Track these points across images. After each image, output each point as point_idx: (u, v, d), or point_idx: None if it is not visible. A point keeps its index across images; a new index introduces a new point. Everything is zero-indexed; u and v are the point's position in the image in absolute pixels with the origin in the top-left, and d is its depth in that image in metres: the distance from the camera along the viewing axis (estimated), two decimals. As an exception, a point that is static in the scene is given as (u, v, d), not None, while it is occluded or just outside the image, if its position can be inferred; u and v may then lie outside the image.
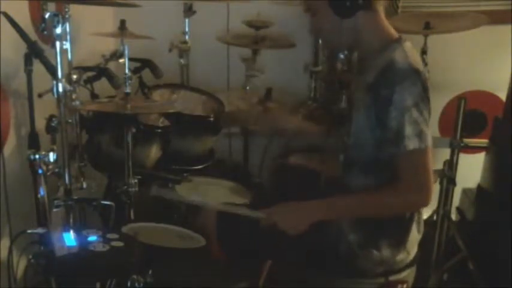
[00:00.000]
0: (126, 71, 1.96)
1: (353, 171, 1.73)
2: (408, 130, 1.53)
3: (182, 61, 2.93)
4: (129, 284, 1.67)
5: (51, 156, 1.74)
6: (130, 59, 2.00)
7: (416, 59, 1.63)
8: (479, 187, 2.69)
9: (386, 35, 1.68)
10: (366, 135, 1.65)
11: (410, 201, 1.59)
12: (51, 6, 1.97)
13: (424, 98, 1.56)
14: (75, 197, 1.85)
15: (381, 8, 1.67)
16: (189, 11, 2.88)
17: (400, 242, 1.69)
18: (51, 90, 1.73)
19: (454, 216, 2.80)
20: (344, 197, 1.67)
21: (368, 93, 1.62)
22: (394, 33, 1.70)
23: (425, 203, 1.59)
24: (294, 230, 1.63)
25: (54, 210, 1.75)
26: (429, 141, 1.56)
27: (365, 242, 1.66)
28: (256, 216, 1.69)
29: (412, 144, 1.53)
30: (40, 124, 2.03)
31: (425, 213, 2.69)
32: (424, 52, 2.60)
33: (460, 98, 2.57)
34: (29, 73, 1.96)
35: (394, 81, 1.55)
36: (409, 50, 1.64)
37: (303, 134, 2.24)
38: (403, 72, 1.56)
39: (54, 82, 1.71)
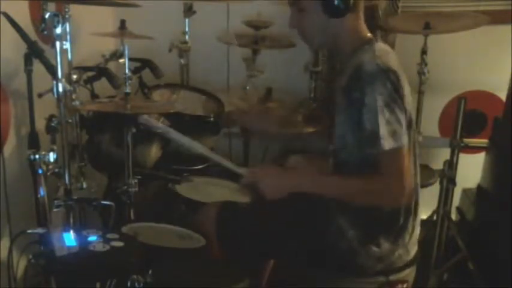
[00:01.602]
0: (126, 71, 1.95)
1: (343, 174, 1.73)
2: (383, 130, 1.54)
3: (182, 61, 2.93)
4: (129, 284, 1.67)
5: (51, 156, 1.74)
6: (130, 59, 2.00)
7: (387, 59, 1.62)
8: (479, 187, 2.69)
9: (360, 37, 1.70)
10: (347, 138, 1.66)
11: (385, 196, 1.60)
12: (51, 6, 1.97)
13: (395, 98, 1.57)
14: (75, 197, 1.85)
15: (361, 11, 1.70)
16: (189, 11, 2.88)
17: (398, 236, 1.69)
18: (51, 90, 1.74)
19: (454, 216, 2.80)
20: (327, 174, 1.72)
21: (343, 96, 1.64)
22: (367, 35, 1.72)
23: (397, 203, 1.61)
24: (272, 195, 1.68)
25: (54, 210, 1.74)
26: (404, 141, 1.56)
27: (365, 238, 1.67)
28: (238, 172, 1.75)
29: (387, 144, 1.54)
30: (40, 124, 2.03)
31: (425, 213, 2.70)
32: (424, 52, 2.60)
33: (460, 98, 2.57)
34: (29, 73, 1.96)
35: (363, 83, 1.56)
36: (380, 50, 1.64)
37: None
38: (371, 74, 1.57)
39: (54, 82, 1.71)
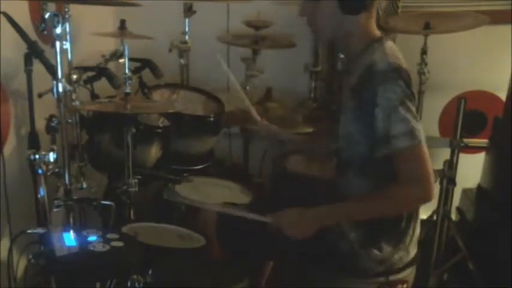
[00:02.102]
0: (126, 71, 1.96)
1: (348, 174, 1.73)
2: (396, 129, 1.52)
3: (182, 61, 2.93)
4: (129, 284, 1.67)
5: (51, 156, 1.74)
6: (130, 59, 2.00)
7: (396, 57, 1.62)
8: (479, 187, 2.69)
9: (370, 36, 1.68)
10: (355, 138, 1.65)
11: (412, 197, 1.57)
12: (51, 6, 1.97)
13: (409, 95, 1.56)
14: (75, 197, 1.85)
15: (374, 9, 1.68)
16: (189, 11, 2.88)
17: (400, 240, 1.69)
18: (51, 90, 1.73)
19: (454, 216, 2.80)
20: (349, 201, 1.67)
21: (352, 96, 1.63)
22: (377, 33, 1.70)
23: (428, 197, 1.56)
24: (300, 236, 1.63)
25: (54, 210, 1.74)
26: (422, 136, 1.54)
27: (366, 241, 1.66)
28: (262, 220, 1.69)
29: (402, 142, 1.52)
30: (40, 124, 2.03)
31: (425, 213, 2.70)
32: (424, 52, 2.60)
33: (460, 98, 2.57)
34: (29, 73, 1.96)
35: (375, 83, 1.55)
36: (390, 49, 1.64)
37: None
38: (383, 73, 1.56)
39: (54, 82, 1.71)
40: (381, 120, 1.54)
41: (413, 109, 1.56)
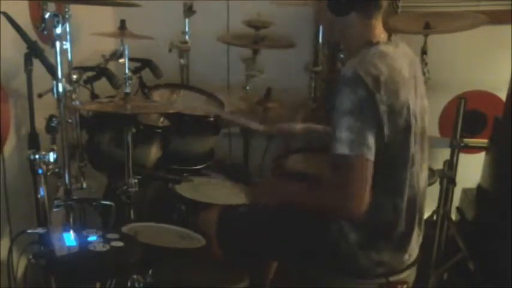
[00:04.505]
0: (126, 71, 1.96)
1: None
2: (340, 134, 1.51)
3: (182, 61, 2.93)
4: (129, 284, 1.67)
5: (51, 156, 1.74)
6: (130, 59, 2.00)
7: (373, 65, 1.55)
8: (479, 187, 2.69)
9: (365, 40, 1.65)
10: None
11: (332, 203, 1.56)
12: (51, 6, 1.97)
13: (365, 107, 1.52)
14: (75, 197, 1.85)
15: (372, 13, 1.64)
16: (189, 11, 2.88)
17: (401, 245, 1.69)
18: (51, 90, 1.74)
19: (454, 216, 2.80)
20: (293, 184, 1.81)
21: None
22: (376, 38, 1.65)
23: (352, 212, 1.53)
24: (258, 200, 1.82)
25: (54, 210, 1.75)
26: (365, 151, 1.50)
27: (365, 243, 1.66)
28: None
29: (341, 148, 1.51)
30: (40, 124, 2.03)
31: (425, 213, 2.69)
32: (424, 52, 2.59)
33: (460, 98, 2.57)
34: (29, 73, 1.96)
35: (338, 86, 1.55)
36: (373, 55, 1.59)
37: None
38: (345, 78, 1.55)
39: (54, 82, 1.71)
40: (332, 121, 1.54)
41: (363, 122, 1.51)
